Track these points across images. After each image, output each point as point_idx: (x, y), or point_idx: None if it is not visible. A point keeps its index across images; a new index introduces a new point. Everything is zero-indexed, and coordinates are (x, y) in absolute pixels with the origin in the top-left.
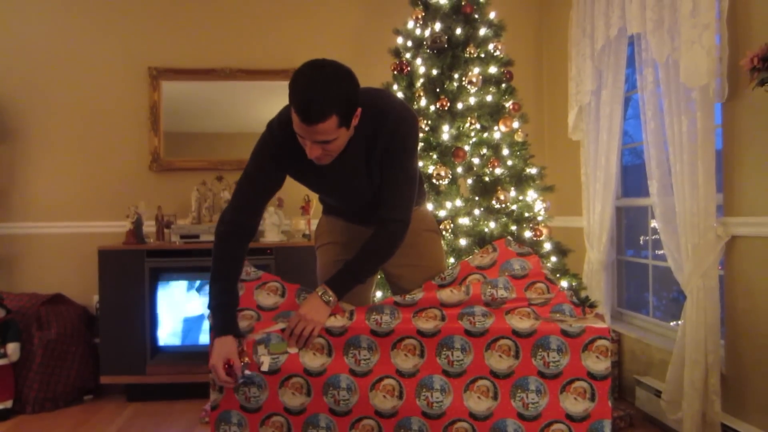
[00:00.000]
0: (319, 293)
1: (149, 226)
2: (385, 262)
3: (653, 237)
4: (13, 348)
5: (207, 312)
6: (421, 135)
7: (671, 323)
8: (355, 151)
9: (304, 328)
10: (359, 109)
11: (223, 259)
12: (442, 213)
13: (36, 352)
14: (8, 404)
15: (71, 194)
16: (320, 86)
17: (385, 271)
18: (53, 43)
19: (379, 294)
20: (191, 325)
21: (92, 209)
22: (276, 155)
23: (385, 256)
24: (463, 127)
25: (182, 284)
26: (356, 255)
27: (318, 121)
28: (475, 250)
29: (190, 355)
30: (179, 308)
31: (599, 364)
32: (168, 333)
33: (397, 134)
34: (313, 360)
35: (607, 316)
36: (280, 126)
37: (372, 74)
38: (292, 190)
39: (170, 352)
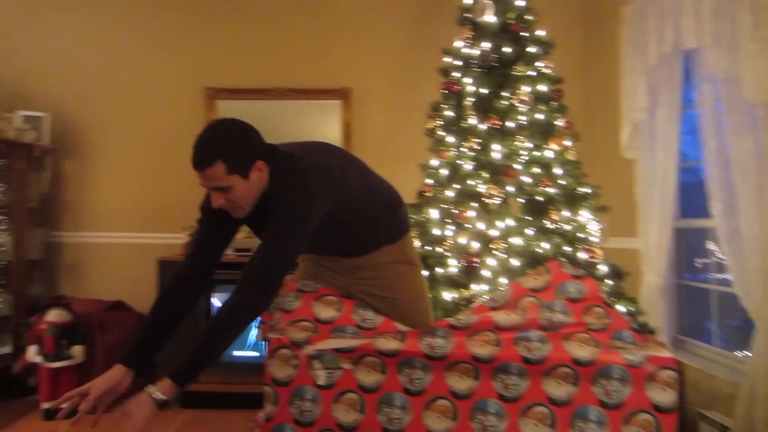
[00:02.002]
0: (150, 392)
1: None
2: (239, 335)
3: (714, 260)
4: (78, 350)
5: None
6: (471, 154)
7: (737, 353)
8: (267, 211)
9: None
10: (259, 161)
11: (157, 301)
12: (493, 233)
13: (98, 356)
14: None
15: (134, 207)
16: (209, 136)
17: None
18: (118, 66)
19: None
20: (244, 335)
21: (152, 221)
22: (206, 211)
23: (238, 325)
24: (513, 146)
25: None
26: (207, 334)
27: (204, 167)
28: (528, 271)
29: (242, 366)
30: None
31: (665, 396)
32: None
33: (291, 189)
34: (367, 377)
35: (666, 343)
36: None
37: (419, 94)
38: None
39: (224, 361)
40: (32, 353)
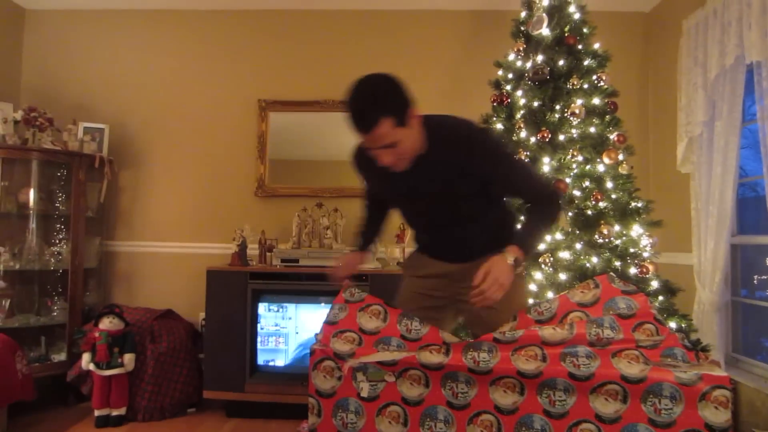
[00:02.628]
0: (503, 255)
1: (253, 249)
2: (550, 228)
3: None
4: (129, 358)
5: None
6: None
7: None
8: (430, 170)
9: (489, 288)
10: (412, 108)
11: (364, 216)
12: (541, 246)
13: (148, 364)
14: (123, 411)
15: (184, 217)
16: (363, 97)
17: (460, 306)
18: (175, 80)
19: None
20: (289, 346)
21: (202, 231)
22: (358, 171)
23: (554, 218)
24: (564, 159)
25: (282, 307)
26: (529, 221)
27: (371, 127)
28: (575, 285)
29: (287, 376)
30: (279, 329)
31: (719, 416)
32: (267, 353)
33: (491, 153)
34: (410, 389)
35: (721, 362)
36: (355, 146)
37: (469, 105)
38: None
39: (268, 371)
40: (86, 361)
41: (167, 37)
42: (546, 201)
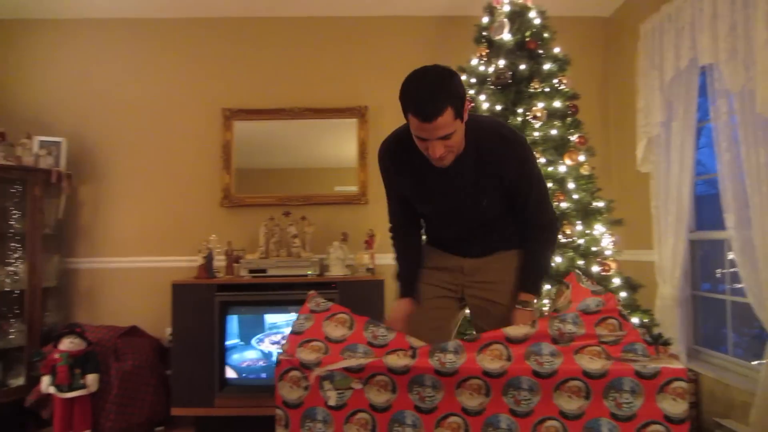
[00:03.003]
0: (519, 305)
1: (219, 261)
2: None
3: (731, 271)
4: (92, 379)
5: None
6: None
7: (753, 362)
8: (464, 168)
9: None
10: (467, 101)
11: (398, 247)
12: None
13: (113, 383)
14: None
15: (148, 230)
16: (430, 85)
17: (469, 305)
18: (134, 89)
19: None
20: (258, 359)
21: (167, 245)
22: (390, 171)
23: (553, 249)
24: None
25: (251, 318)
26: (534, 257)
27: (437, 116)
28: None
29: (256, 389)
30: (247, 342)
31: (676, 407)
32: (236, 366)
33: (522, 162)
34: (378, 396)
35: (682, 354)
36: (388, 141)
37: None
38: (357, 224)
39: (238, 385)
40: (46, 384)
41: (127, 46)
42: (547, 230)
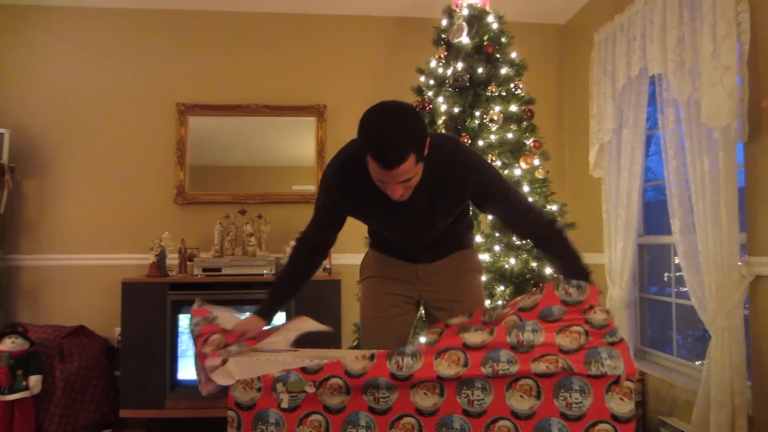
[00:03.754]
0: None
1: (172, 259)
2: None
3: (676, 274)
4: (35, 381)
5: None
6: None
7: (697, 363)
8: (419, 196)
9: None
10: (428, 140)
11: (293, 265)
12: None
13: (57, 385)
14: None
15: (97, 227)
16: (392, 130)
17: (429, 308)
18: (83, 80)
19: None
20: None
21: (117, 242)
22: (335, 197)
23: (571, 243)
24: None
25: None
26: (560, 255)
27: (399, 164)
28: (495, 286)
29: None
30: None
31: (623, 407)
32: (188, 366)
33: (486, 180)
34: (331, 398)
35: (630, 354)
36: (335, 166)
37: None
38: None
39: (190, 386)
40: None
41: (77, 36)
42: (552, 233)
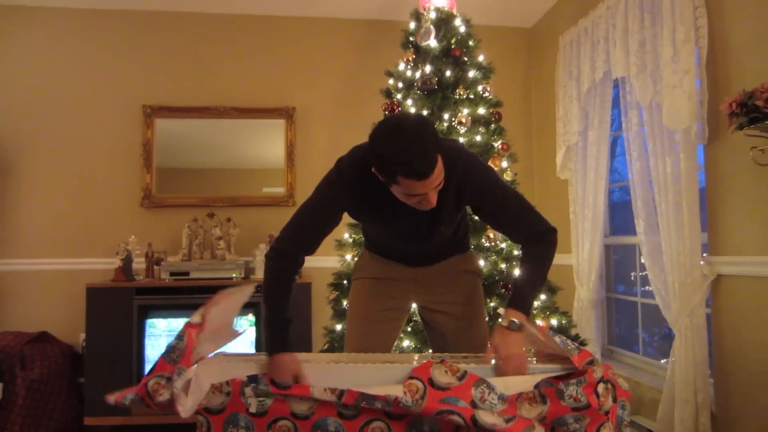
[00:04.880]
0: (505, 324)
1: (139, 263)
2: (547, 274)
3: (642, 274)
4: None
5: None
6: None
7: (662, 361)
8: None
9: (515, 369)
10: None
11: (276, 280)
12: None
13: (18, 393)
14: None
15: (60, 231)
16: (414, 141)
17: (426, 311)
18: (46, 81)
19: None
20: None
21: (81, 246)
22: (342, 197)
23: (549, 261)
24: None
25: (171, 322)
26: (524, 271)
27: (432, 170)
28: None
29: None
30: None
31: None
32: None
33: (483, 181)
34: (299, 404)
35: (597, 353)
36: (350, 168)
37: (363, 113)
38: (283, 225)
39: None
40: None
41: (39, 36)
42: (541, 240)
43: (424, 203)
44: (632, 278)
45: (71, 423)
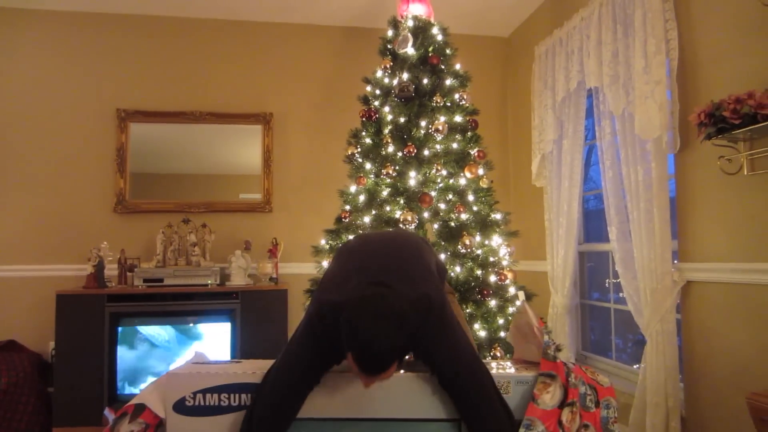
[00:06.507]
0: None
1: (112, 270)
2: None
3: (615, 281)
4: None
5: None
6: (388, 180)
7: (634, 366)
8: None
9: None
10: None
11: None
12: None
13: None
14: None
15: (30, 236)
16: (381, 341)
17: None
18: (18, 84)
19: None
20: (151, 372)
21: (52, 252)
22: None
23: None
24: (429, 174)
25: (144, 329)
26: None
27: (382, 372)
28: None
29: None
30: (140, 354)
31: None
32: (128, 380)
33: (450, 360)
34: None
35: (571, 359)
36: (328, 317)
37: (341, 120)
38: (260, 231)
39: (129, 400)
40: None
41: (10, 38)
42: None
43: (363, 383)
44: (606, 285)
45: None
